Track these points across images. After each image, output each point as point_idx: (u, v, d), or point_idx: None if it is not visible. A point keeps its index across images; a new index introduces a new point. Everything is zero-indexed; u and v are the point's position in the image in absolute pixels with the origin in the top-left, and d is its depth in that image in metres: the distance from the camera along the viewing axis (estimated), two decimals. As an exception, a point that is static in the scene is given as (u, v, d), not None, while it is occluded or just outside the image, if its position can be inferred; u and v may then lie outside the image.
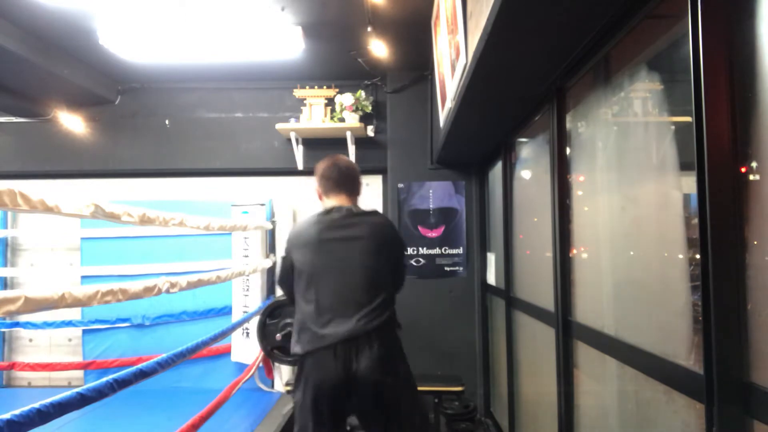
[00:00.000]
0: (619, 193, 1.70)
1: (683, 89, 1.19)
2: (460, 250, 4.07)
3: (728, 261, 1.04)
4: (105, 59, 3.80)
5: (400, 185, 4.14)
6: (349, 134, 4.15)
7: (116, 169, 4.48)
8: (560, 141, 2.10)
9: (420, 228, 4.09)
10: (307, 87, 4.23)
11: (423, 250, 4.09)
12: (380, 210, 4.28)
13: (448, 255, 4.08)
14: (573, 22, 1.57)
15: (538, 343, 2.54)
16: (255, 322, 3.47)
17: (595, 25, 1.60)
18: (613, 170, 1.75)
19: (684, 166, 1.30)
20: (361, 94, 4.13)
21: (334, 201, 2.25)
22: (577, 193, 2.05)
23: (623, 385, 1.64)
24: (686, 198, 1.30)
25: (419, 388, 2.24)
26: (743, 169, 1.05)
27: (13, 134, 4.49)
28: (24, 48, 3.32)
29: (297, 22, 3.29)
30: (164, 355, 2.05)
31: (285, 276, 2.24)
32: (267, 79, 4.31)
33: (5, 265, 4.58)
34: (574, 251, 2.05)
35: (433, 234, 4.09)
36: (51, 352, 4.59)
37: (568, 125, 2.09)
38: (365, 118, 4.23)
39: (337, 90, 4.19)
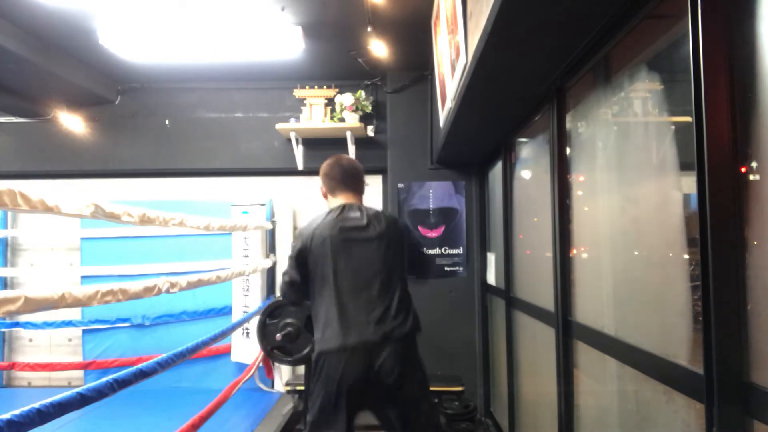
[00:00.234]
0: (619, 193, 1.70)
1: (683, 89, 1.19)
2: (460, 250, 4.07)
3: (728, 261, 1.04)
4: (105, 59, 3.80)
5: (400, 185, 4.14)
6: (349, 134, 4.15)
7: (116, 169, 4.48)
8: (560, 141, 2.10)
9: (420, 228, 4.09)
10: (307, 87, 4.23)
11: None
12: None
13: (448, 255, 4.08)
14: (573, 22, 1.57)
15: (538, 343, 2.54)
16: (255, 322, 3.47)
17: (595, 25, 1.60)
18: (613, 170, 1.75)
19: (684, 166, 1.30)
20: (361, 94, 4.13)
21: (341, 199, 2.26)
22: (577, 193, 2.05)
23: (623, 385, 1.64)
24: (686, 198, 1.30)
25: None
26: (743, 169, 1.05)
27: (13, 134, 4.49)
28: (24, 48, 3.32)
29: (297, 22, 3.29)
30: (164, 355, 2.06)
31: (294, 273, 2.19)
32: (267, 79, 4.32)
33: (5, 265, 4.58)
34: (574, 251, 2.05)
35: (433, 234, 4.09)
36: (51, 352, 4.59)
37: (568, 125, 2.09)
38: (365, 118, 4.23)
39: (337, 90, 4.19)
